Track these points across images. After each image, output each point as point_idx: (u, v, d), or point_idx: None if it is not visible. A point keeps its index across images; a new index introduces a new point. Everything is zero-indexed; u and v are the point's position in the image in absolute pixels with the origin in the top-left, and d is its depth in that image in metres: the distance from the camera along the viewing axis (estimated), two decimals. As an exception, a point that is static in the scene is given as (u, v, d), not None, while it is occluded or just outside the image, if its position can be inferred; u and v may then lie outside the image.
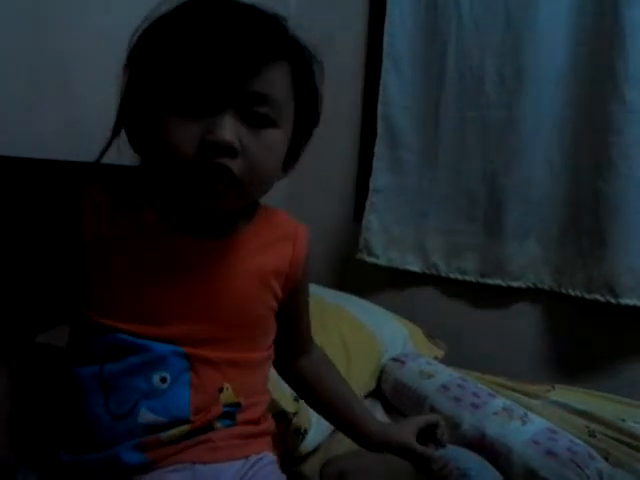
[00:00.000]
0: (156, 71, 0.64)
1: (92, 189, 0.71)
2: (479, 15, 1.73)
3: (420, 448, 0.82)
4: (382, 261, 1.93)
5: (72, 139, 1.15)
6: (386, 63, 1.86)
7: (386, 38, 1.85)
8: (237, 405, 0.73)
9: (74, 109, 1.17)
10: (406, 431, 0.85)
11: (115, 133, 0.71)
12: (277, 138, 0.68)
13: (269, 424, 0.80)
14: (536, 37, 1.65)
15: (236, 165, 0.63)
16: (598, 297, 1.62)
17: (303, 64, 0.71)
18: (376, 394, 1.38)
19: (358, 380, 1.25)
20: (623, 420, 1.23)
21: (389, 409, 1.34)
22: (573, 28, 1.63)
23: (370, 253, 1.93)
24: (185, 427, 0.68)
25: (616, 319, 1.64)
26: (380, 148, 1.90)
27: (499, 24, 1.70)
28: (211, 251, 0.72)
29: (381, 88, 1.88)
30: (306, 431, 1.03)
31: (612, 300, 1.59)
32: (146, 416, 0.67)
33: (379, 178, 1.91)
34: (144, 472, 0.66)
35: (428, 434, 0.87)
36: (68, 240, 0.69)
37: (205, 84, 0.62)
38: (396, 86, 1.87)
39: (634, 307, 1.57)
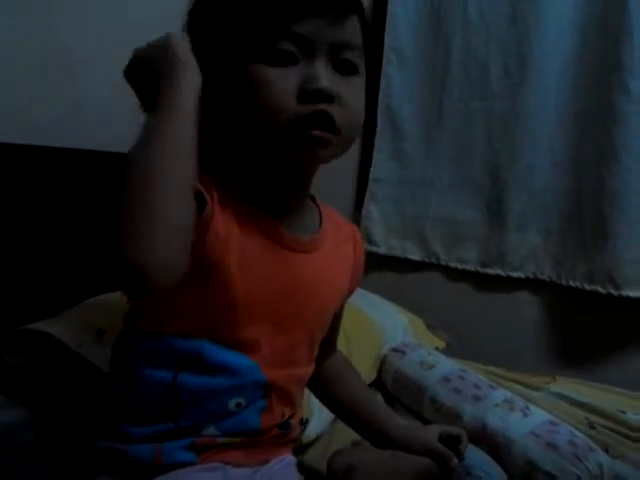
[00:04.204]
0: (241, 22, 0.62)
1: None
2: (484, 5, 1.71)
3: (441, 448, 0.82)
4: (383, 250, 1.93)
5: (75, 126, 1.15)
6: (388, 54, 1.84)
7: (388, 30, 1.83)
8: (288, 426, 0.75)
9: (77, 96, 1.16)
10: (429, 435, 0.86)
11: None
12: (361, 85, 0.68)
13: (298, 430, 0.82)
14: (541, 28, 1.64)
15: (335, 111, 0.63)
16: (599, 289, 1.62)
17: (365, 20, 0.70)
18: (376, 385, 1.38)
19: (359, 370, 1.24)
20: (623, 412, 1.23)
21: (390, 400, 1.34)
22: (578, 19, 1.61)
23: (371, 242, 1.93)
24: (238, 439, 0.69)
25: (617, 311, 1.64)
26: (381, 140, 1.89)
27: (504, 15, 1.69)
28: (300, 254, 0.71)
29: (382, 80, 1.86)
30: (307, 420, 1.03)
31: (613, 292, 1.60)
32: (210, 431, 0.67)
33: (379, 169, 1.91)
34: (184, 467, 0.66)
35: (448, 444, 0.86)
36: None
37: (298, 34, 0.61)
38: (398, 78, 1.85)
39: (635, 299, 1.58)
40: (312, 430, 1.05)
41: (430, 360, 1.33)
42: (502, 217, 1.76)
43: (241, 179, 0.68)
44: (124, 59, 0.66)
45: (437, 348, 1.53)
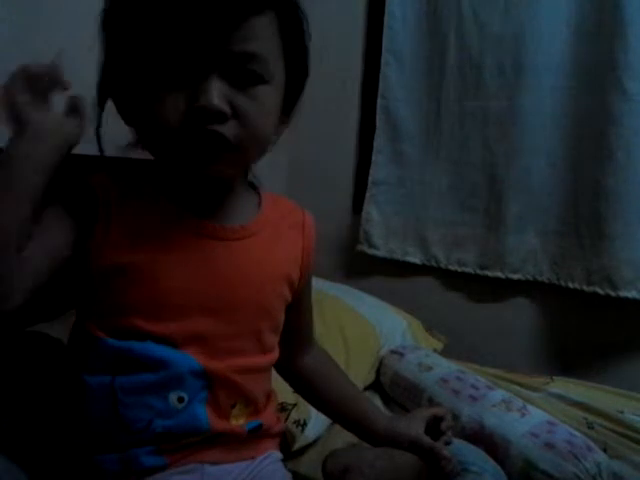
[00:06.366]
0: (134, 40, 0.61)
1: (99, 178, 0.68)
2: (479, 6, 1.72)
3: (429, 443, 0.81)
4: (382, 253, 1.93)
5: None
6: (386, 56, 1.86)
7: (386, 31, 1.84)
8: (259, 427, 0.73)
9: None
10: (414, 425, 0.84)
11: (101, 107, 0.69)
12: (268, 94, 0.64)
13: (281, 426, 0.80)
14: (536, 28, 1.64)
15: (228, 129, 0.60)
16: (597, 290, 1.62)
17: (289, 13, 0.66)
18: (375, 386, 1.38)
19: (357, 372, 1.25)
20: (621, 412, 1.23)
21: (388, 401, 1.34)
22: (573, 18, 1.62)
23: (370, 245, 1.93)
24: (198, 438, 0.67)
25: (615, 312, 1.64)
26: (379, 141, 1.90)
27: (499, 15, 1.69)
28: (228, 242, 0.70)
29: (381, 80, 1.87)
30: (305, 423, 1.03)
31: (611, 293, 1.59)
32: (159, 430, 0.65)
33: (378, 170, 1.91)
34: (157, 472, 0.65)
35: (434, 427, 0.86)
36: (80, 230, 0.65)
37: (185, 49, 0.59)
38: (396, 78, 1.86)
39: (633, 300, 1.57)
40: (311, 432, 1.05)
41: (428, 362, 1.33)
42: (500, 219, 1.76)
43: (162, 181, 0.69)
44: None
45: (435, 350, 1.54)
